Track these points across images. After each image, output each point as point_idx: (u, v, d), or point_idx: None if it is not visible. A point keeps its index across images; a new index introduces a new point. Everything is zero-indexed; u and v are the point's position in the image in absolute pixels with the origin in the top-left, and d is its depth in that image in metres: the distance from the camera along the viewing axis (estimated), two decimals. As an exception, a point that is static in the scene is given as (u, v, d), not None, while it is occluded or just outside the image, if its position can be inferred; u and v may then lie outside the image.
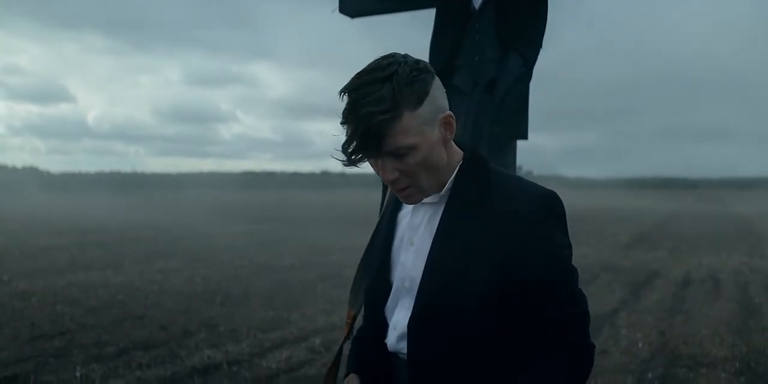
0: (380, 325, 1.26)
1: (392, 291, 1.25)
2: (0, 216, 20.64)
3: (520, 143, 2.63)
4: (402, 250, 1.25)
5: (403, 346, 1.20)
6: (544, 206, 1.15)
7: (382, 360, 1.26)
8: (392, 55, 1.11)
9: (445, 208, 1.19)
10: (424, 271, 1.17)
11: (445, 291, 1.15)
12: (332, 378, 1.39)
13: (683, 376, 4.19)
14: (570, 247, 1.18)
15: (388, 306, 1.26)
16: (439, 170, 1.16)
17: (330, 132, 1.09)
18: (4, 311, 5.87)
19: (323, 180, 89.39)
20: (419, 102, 1.08)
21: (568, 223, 1.20)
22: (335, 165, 1.10)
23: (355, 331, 1.40)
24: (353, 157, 1.08)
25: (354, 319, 1.41)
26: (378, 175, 1.14)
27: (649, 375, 4.20)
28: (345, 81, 1.09)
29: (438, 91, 1.13)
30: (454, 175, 1.19)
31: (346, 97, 1.08)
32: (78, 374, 4.01)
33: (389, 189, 1.25)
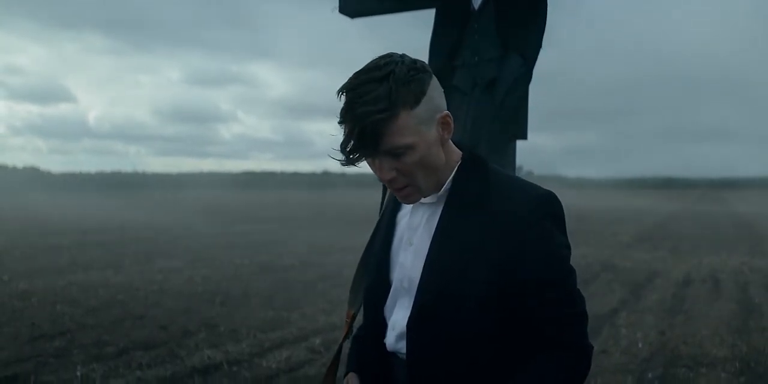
0: (379, 325, 1.26)
1: (391, 291, 1.25)
2: (0, 216, 20.65)
3: (520, 143, 2.62)
4: (401, 250, 1.25)
5: (402, 346, 1.21)
6: (542, 206, 1.15)
7: (382, 359, 1.26)
8: (390, 55, 1.11)
9: (443, 208, 1.19)
10: (422, 271, 1.18)
11: (443, 291, 1.15)
12: (332, 377, 1.40)
13: (683, 376, 4.19)
14: (568, 247, 1.19)
15: (387, 306, 1.26)
16: (437, 170, 1.16)
17: (330, 132, 1.10)
18: (4, 311, 5.88)
19: (323, 180, 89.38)
20: (416, 101, 1.08)
21: (568, 223, 1.20)
22: (335, 165, 1.10)
23: (354, 331, 1.40)
24: (351, 157, 1.09)
25: (353, 318, 1.42)
26: (375, 174, 1.14)
27: (649, 375, 4.20)
28: (345, 81, 1.10)
29: (435, 90, 1.13)
30: (452, 175, 1.19)
31: (343, 97, 1.08)
32: (78, 374, 4.01)
33: (389, 189, 1.25)
